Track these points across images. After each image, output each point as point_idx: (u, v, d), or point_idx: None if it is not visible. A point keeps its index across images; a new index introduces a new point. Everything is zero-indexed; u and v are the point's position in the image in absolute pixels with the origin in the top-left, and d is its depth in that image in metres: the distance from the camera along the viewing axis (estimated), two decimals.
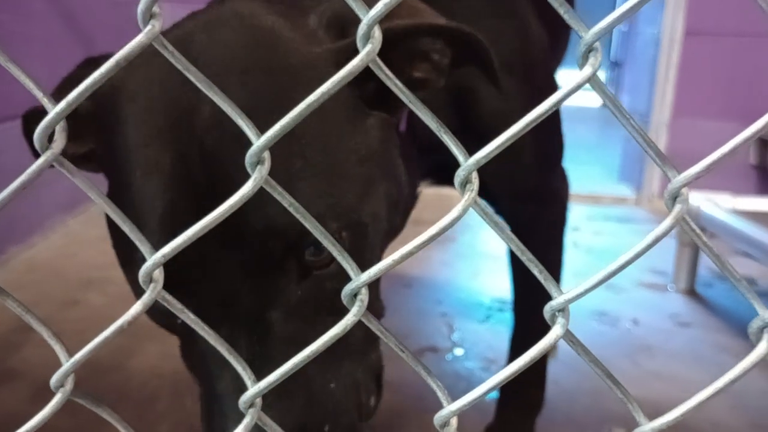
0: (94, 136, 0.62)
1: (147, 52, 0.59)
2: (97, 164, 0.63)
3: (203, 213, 0.52)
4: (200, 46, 0.56)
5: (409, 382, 1.38)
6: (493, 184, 0.92)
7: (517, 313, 1.11)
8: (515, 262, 1.10)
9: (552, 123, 0.95)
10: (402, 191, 0.66)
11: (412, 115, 0.80)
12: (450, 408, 0.35)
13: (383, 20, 0.62)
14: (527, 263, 0.35)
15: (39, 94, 0.34)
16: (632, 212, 2.77)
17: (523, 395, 1.12)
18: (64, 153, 0.69)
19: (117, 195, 0.58)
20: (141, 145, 0.54)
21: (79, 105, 0.61)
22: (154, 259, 0.33)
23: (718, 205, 1.83)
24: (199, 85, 0.33)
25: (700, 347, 1.62)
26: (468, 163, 0.32)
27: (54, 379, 0.35)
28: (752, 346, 0.35)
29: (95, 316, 1.57)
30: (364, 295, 0.34)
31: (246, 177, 0.50)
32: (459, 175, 0.33)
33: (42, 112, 0.65)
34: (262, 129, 0.51)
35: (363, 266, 0.59)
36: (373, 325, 0.36)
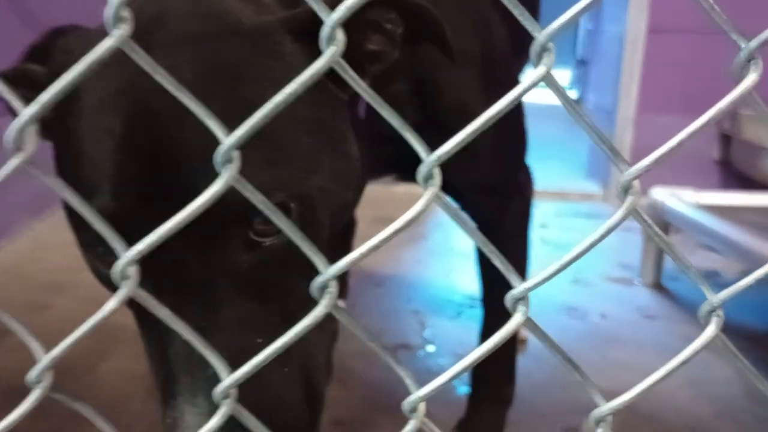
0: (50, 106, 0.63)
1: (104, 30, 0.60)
2: (50, 132, 0.63)
3: (150, 174, 0.52)
4: (152, 17, 0.57)
5: (383, 378, 1.40)
6: (456, 180, 0.93)
7: (485, 308, 1.12)
8: (482, 258, 1.12)
9: (514, 119, 0.97)
10: (353, 170, 0.66)
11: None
12: (418, 394, 0.37)
13: None
14: (489, 255, 0.36)
15: (9, 96, 0.34)
16: (600, 208, 2.81)
17: (494, 389, 1.14)
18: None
19: (67, 162, 0.58)
20: (93, 111, 0.55)
21: (36, 75, 0.62)
22: (128, 256, 0.34)
23: (682, 200, 1.87)
24: (169, 87, 0.34)
25: (667, 338, 1.66)
26: (429, 159, 0.34)
27: (31, 376, 0.36)
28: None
29: (65, 320, 1.56)
30: (333, 288, 0.36)
31: (192, 140, 0.51)
32: (421, 171, 0.34)
33: (15, 70, 0.65)
34: (216, 98, 0.52)
35: (313, 242, 0.60)
36: (342, 317, 0.37)
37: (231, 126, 0.56)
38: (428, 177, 0.34)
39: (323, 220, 0.60)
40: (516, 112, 0.97)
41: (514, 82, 1.01)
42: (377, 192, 2.12)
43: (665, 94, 2.73)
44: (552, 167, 3.14)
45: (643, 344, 1.63)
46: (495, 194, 1.00)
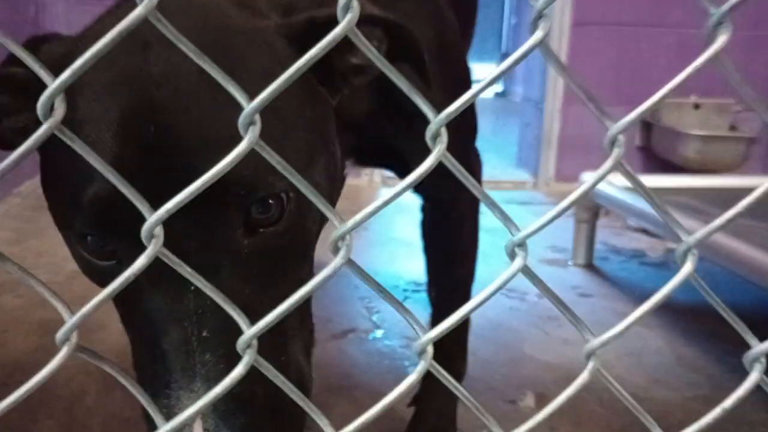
0: (28, 111, 0.62)
1: (99, 30, 0.60)
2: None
3: (151, 163, 0.52)
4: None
5: (335, 361, 1.43)
6: (412, 163, 0.96)
7: (437, 290, 1.16)
8: (432, 244, 1.15)
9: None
10: (337, 167, 0.69)
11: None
12: (428, 335, 0.40)
13: (324, 6, 0.65)
14: (490, 207, 0.40)
15: (35, 66, 0.36)
16: (530, 195, 2.92)
17: (447, 365, 1.17)
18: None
19: (58, 158, 0.58)
20: (89, 101, 0.55)
21: (20, 77, 0.62)
22: (156, 215, 0.36)
23: (612, 184, 1.97)
24: (191, 55, 0.36)
25: (601, 314, 1.75)
26: (438, 119, 0.37)
27: (60, 334, 0.38)
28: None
29: (10, 317, 1.52)
30: (349, 241, 0.39)
31: (189, 127, 0.52)
32: (430, 130, 0.37)
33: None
34: (215, 87, 0.54)
35: (306, 234, 0.62)
36: (354, 269, 0.40)
37: (231, 114, 0.57)
38: (436, 135, 0.37)
39: (316, 215, 0.62)
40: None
41: (467, 68, 1.05)
42: None
43: (589, 84, 2.84)
44: (484, 158, 3.22)
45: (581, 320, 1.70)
46: (450, 177, 1.04)
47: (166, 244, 0.53)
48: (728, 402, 0.43)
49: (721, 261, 1.51)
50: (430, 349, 0.41)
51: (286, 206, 0.57)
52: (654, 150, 2.91)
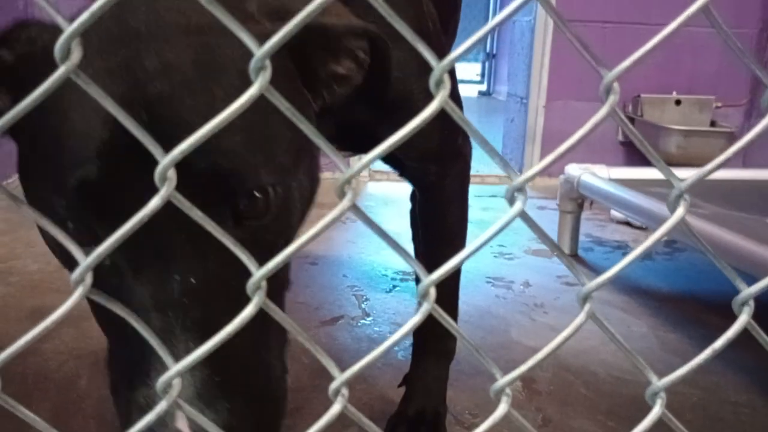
0: (8, 94, 0.62)
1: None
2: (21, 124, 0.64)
3: (142, 151, 0.53)
4: (143, 14, 0.58)
5: (327, 347, 1.44)
6: (400, 149, 0.98)
7: (427, 263, 1.17)
8: (420, 232, 1.17)
9: (451, 84, 1.03)
10: (318, 169, 0.71)
11: None
12: (430, 278, 0.41)
13: (318, 16, 0.66)
14: (488, 152, 0.41)
15: (52, 12, 0.37)
16: None
17: (437, 343, 1.19)
18: None
19: (39, 143, 0.58)
20: (82, 89, 0.56)
21: (5, 61, 0.62)
22: (168, 158, 0.37)
23: (596, 175, 1.99)
24: (203, 1, 0.38)
25: None
26: (441, 65, 0.39)
27: (75, 275, 0.38)
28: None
29: (1, 304, 1.53)
30: (355, 185, 0.40)
31: (184, 120, 0.53)
32: (433, 76, 0.39)
33: None
34: (207, 79, 0.55)
35: (289, 228, 0.64)
36: (358, 214, 0.42)
37: (225, 107, 0.58)
38: (439, 82, 0.39)
39: (300, 209, 0.64)
40: (452, 81, 1.02)
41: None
42: None
43: (572, 81, 2.89)
44: None
45: (565, 308, 1.73)
46: (437, 160, 1.05)
47: (156, 231, 0.54)
48: (718, 343, 0.45)
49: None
50: (433, 292, 0.42)
51: (272, 200, 0.59)
52: (637, 144, 2.95)
